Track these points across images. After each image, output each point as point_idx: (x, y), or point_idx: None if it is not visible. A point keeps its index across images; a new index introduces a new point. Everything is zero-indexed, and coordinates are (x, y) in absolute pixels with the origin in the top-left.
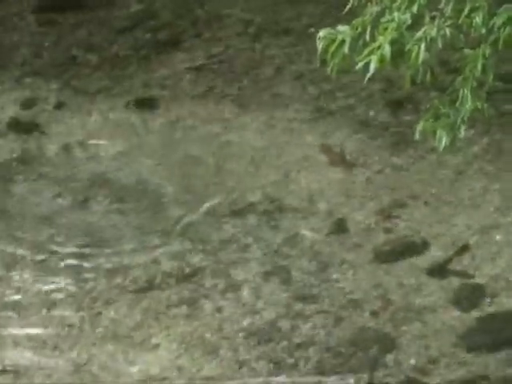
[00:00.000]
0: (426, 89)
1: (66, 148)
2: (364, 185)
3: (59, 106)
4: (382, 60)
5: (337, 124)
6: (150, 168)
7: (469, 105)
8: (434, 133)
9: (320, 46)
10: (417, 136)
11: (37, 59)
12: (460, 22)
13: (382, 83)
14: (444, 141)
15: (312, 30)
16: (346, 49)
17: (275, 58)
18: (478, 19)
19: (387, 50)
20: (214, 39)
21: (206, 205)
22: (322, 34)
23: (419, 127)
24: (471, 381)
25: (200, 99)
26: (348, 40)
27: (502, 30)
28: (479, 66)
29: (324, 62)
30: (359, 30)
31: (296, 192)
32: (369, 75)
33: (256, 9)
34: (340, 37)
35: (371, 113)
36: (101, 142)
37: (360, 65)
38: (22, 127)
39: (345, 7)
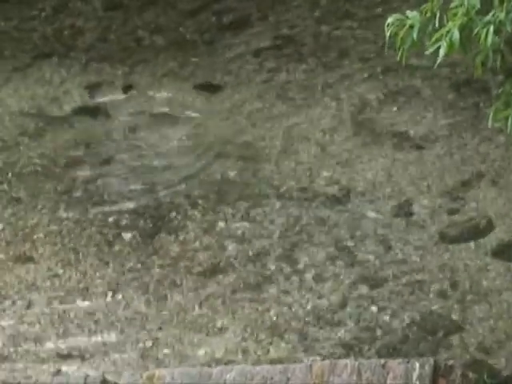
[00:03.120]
0: (494, 71)
1: (133, 132)
2: (430, 166)
3: (125, 90)
4: (451, 45)
5: (404, 105)
6: (215, 152)
7: None
8: (506, 119)
9: (388, 32)
10: (489, 124)
11: (103, 44)
12: None
13: (450, 65)
14: None
15: (379, 10)
16: (414, 34)
17: (341, 40)
18: None
19: (456, 35)
20: (279, 22)
21: (272, 189)
22: (390, 20)
23: (491, 114)
24: None
25: (265, 82)
26: (417, 25)
27: None
28: None
29: (391, 46)
30: (428, 14)
31: (362, 174)
32: (439, 60)
33: None
34: (409, 22)
35: (438, 94)
36: (166, 126)
37: (430, 50)
38: (88, 112)
39: None
